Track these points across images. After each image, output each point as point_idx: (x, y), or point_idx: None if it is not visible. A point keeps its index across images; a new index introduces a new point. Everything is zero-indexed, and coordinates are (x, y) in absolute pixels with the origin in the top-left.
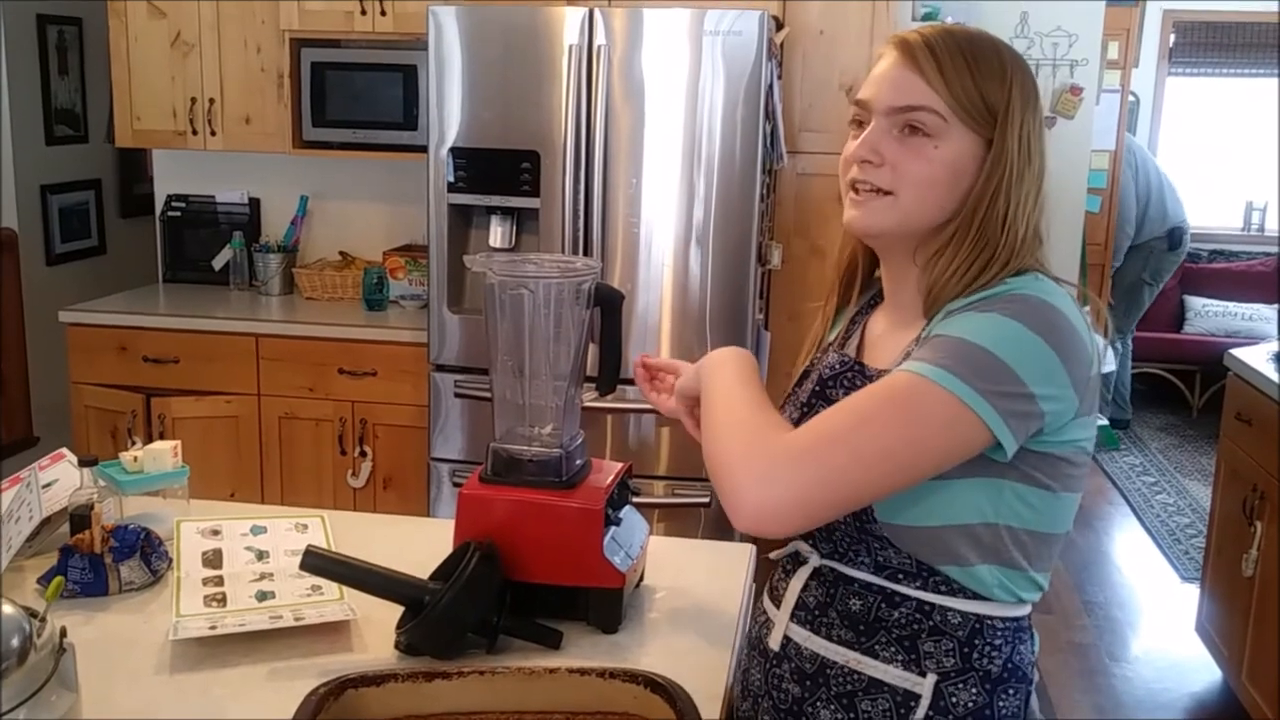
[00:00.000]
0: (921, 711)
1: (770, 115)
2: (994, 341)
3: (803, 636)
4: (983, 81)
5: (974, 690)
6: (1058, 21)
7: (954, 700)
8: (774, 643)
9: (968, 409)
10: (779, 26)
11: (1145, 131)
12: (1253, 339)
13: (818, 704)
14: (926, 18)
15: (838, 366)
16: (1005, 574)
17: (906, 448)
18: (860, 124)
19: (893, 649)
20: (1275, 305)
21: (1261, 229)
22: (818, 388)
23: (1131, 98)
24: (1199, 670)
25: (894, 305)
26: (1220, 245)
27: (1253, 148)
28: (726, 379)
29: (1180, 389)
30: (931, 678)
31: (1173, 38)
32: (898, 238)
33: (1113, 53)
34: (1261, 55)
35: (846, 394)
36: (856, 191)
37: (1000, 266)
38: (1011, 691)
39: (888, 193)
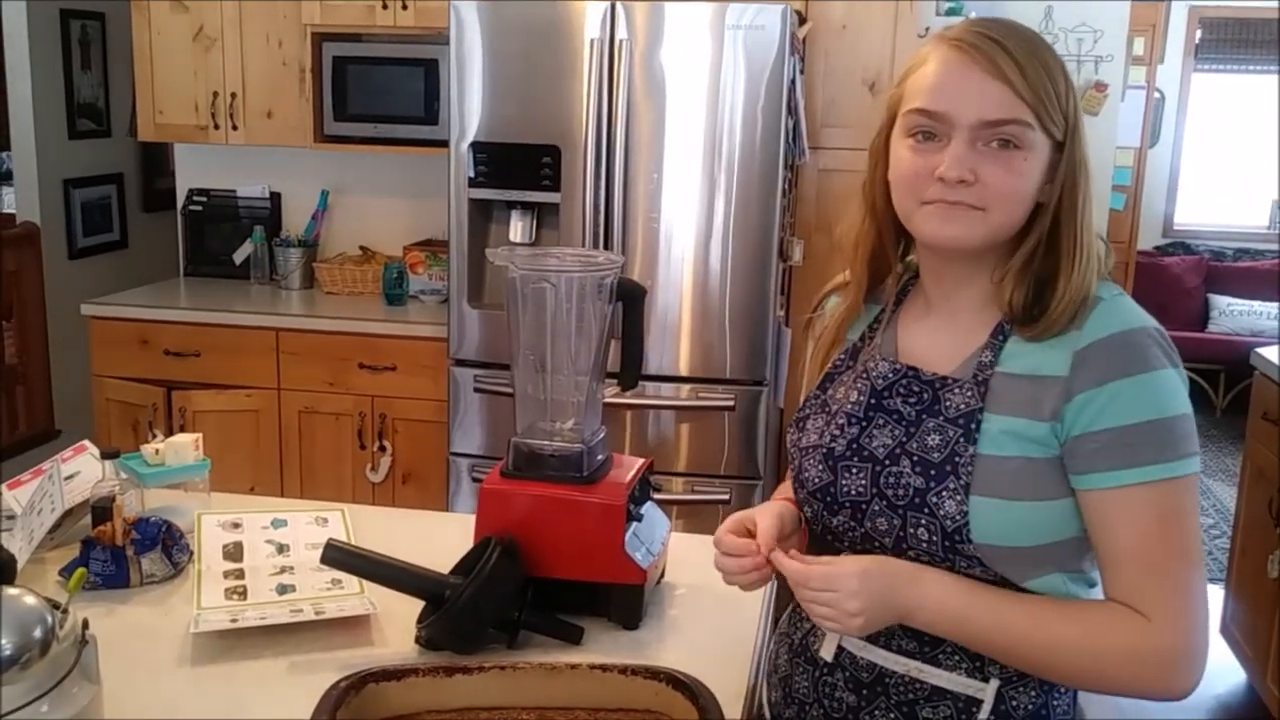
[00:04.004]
0: (983, 716)
1: (792, 110)
2: (1179, 401)
3: (859, 646)
4: (1057, 86)
5: (1033, 693)
6: (1082, 17)
7: (1014, 704)
8: (826, 653)
9: (1198, 472)
10: (801, 21)
11: (1170, 128)
12: (1278, 339)
13: (875, 712)
14: (950, 13)
15: (891, 375)
16: (1071, 578)
17: (1200, 535)
18: (930, 135)
19: (956, 657)
20: None
21: None
22: (873, 399)
23: (1157, 94)
24: (1223, 672)
25: (946, 308)
26: (1246, 244)
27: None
28: (962, 600)
29: (1205, 388)
30: (995, 682)
31: (1199, 34)
32: (982, 249)
33: (1138, 49)
34: None
35: (904, 402)
36: (934, 204)
37: (1099, 275)
38: (1062, 690)
39: (977, 208)
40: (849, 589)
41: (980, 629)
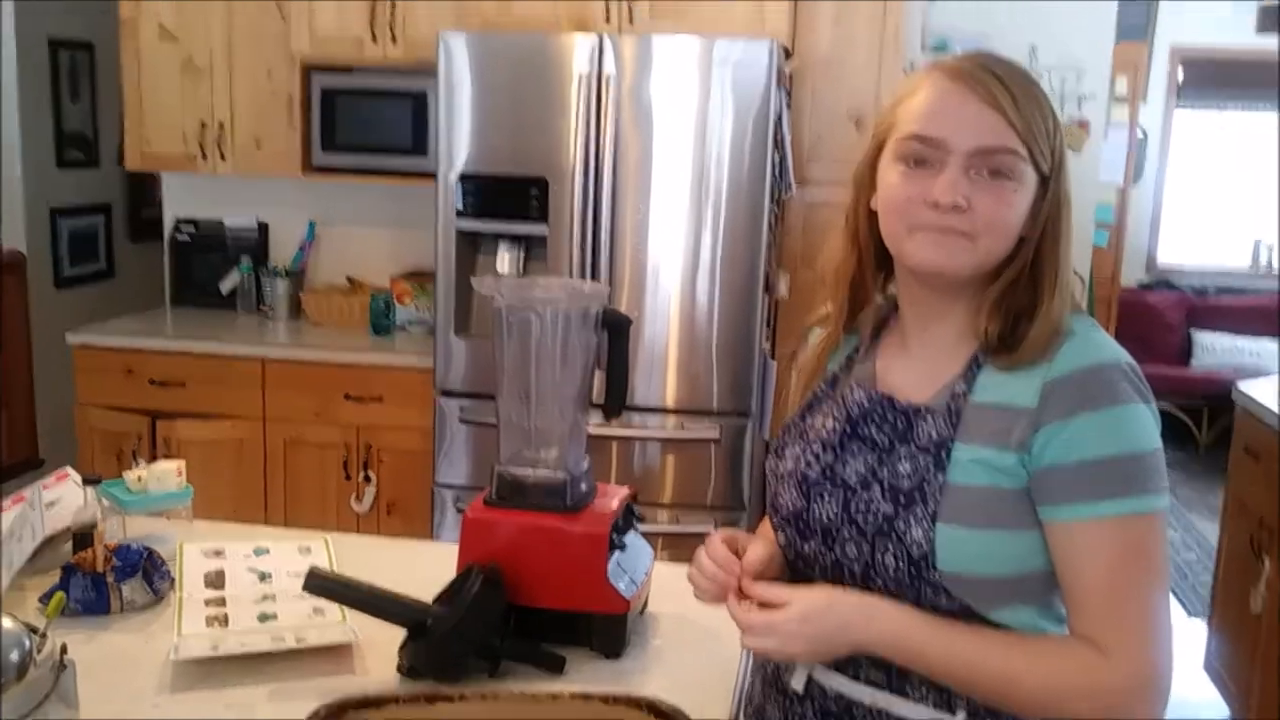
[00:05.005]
0: None
1: (779, 144)
2: (1148, 436)
3: (827, 677)
4: (1047, 121)
5: None
6: (1066, 55)
7: None
8: (797, 684)
9: (1168, 509)
10: (788, 56)
11: (1154, 166)
12: (1260, 375)
13: None
14: (936, 49)
15: (866, 403)
16: (1040, 612)
17: (1168, 571)
18: (922, 162)
19: (924, 688)
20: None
21: (1270, 266)
22: (848, 427)
23: (1140, 133)
24: (1207, 708)
25: (923, 339)
26: (1228, 281)
27: (1261, 184)
28: (920, 637)
29: (1187, 424)
30: (962, 714)
31: (1181, 73)
32: (966, 279)
33: (1121, 88)
34: (1271, 91)
35: (879, 430)
36: (926, 231)
37: (1071, 308)
38: None
39: (968, 236)
40: (789, 632)
41: (938, 664)
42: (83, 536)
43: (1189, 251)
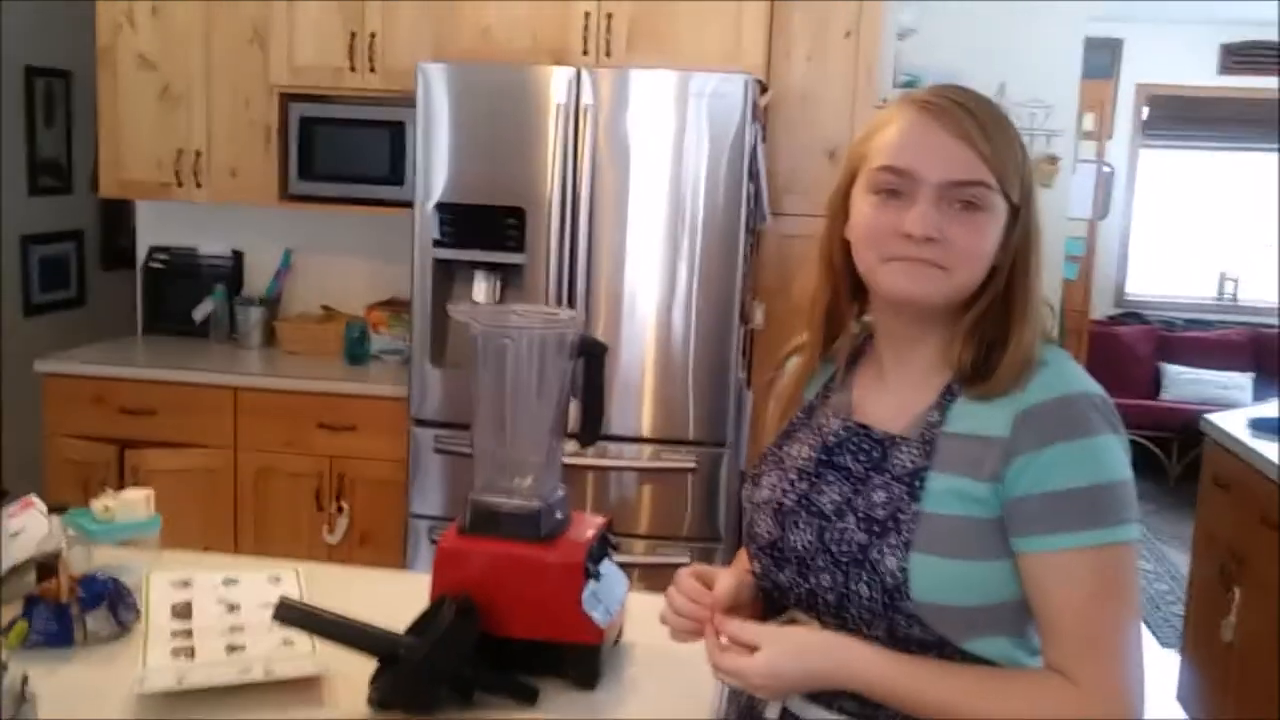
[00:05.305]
0: None
1: (754, 176)
2: (1119, 467)
3: (801, 707)
4: (1016, 153)
5: None
6: (1035, 92)
7: None
8: (771, 713)
9: (1139, 540)
10: (763, 90)
11: (1120, 201)
12: (1228, 407)
13: None
14: (906, 85)
15: (842, 432)
16: (1016, 644)
17: (1140, 601)
18: (892, 193)
19: (899, 716)
20: (1249, 373)
21: (1234, 299)
22: (824, 456)
23: (1107, 168)
24: None
25: (899, 367)
26: (1195, 314)
27: (1225, 219)
28: (891, 679)
29: (1157, 456)
30: None
31: (1147, 111)
32: (940, 308)
33: (1089, 124)
34: (1234, 129)
35: (854, 459)
36: (899, 260)
37: (1044, 337)
38: None
39: (941, 267)
40: (759, 681)
41: (911, 704)
42: (46, 566)
43: (1156, 285)
